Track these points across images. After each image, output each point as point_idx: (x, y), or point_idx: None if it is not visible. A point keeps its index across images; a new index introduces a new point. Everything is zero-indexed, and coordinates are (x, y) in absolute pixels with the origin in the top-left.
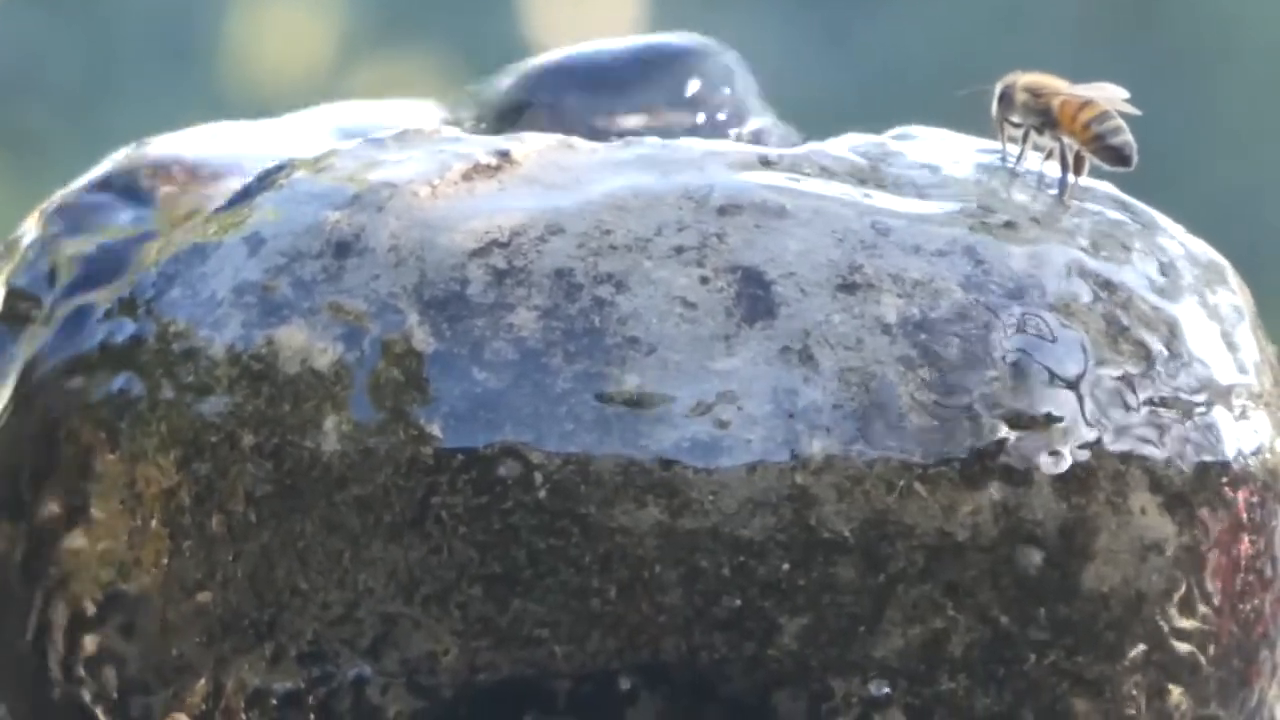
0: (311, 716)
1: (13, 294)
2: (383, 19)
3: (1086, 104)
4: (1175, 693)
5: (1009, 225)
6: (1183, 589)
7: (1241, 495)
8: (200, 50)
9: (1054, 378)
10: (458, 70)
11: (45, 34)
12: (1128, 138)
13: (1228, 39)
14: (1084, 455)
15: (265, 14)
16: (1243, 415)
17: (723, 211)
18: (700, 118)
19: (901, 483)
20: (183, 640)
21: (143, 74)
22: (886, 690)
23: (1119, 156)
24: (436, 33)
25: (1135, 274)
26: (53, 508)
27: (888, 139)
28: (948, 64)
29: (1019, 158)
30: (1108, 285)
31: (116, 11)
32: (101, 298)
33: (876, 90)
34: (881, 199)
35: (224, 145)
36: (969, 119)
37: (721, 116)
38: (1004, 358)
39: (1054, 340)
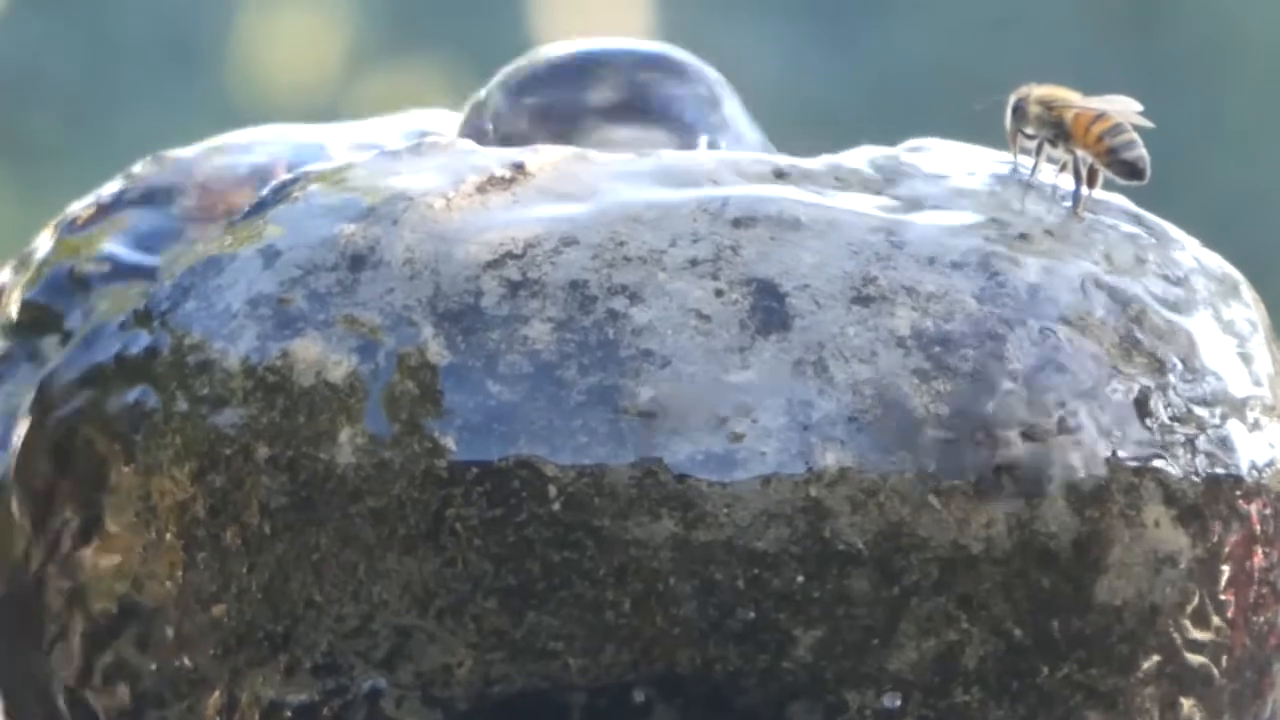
0: None
1: (28, 307)
2: (392, 26)
3: (1100, 117)
4: (1188, 705)
5: (1023, 238)
6: (1196, 601)
7: (1255, 508)
8: (208, 57)
9: (1068, 391)
10: (467, 77)
11: (52, 41)
12: (1141, 151)
13: (1230, 43)
14: (1098, 468)
15: (274, 21)
16: (1256, 428)
17: (737, 224)
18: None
19: (915, 495)
20: (198, 653)
21: (151, 82)
22: (900, 702)
23: (1132, 170)
24: (446, 39)
25: (1149, 287)
26: (68, 519)
27: (902, 151)
28: (951, 71)
29: (1032, 170)
30: (1122, 298)
31: (124, 19)
32: (116, 310)
33: (880, 97)
34: (896, 212)
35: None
36: (974, 127)
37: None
38: (1018, 371)
39: (1068, 353)
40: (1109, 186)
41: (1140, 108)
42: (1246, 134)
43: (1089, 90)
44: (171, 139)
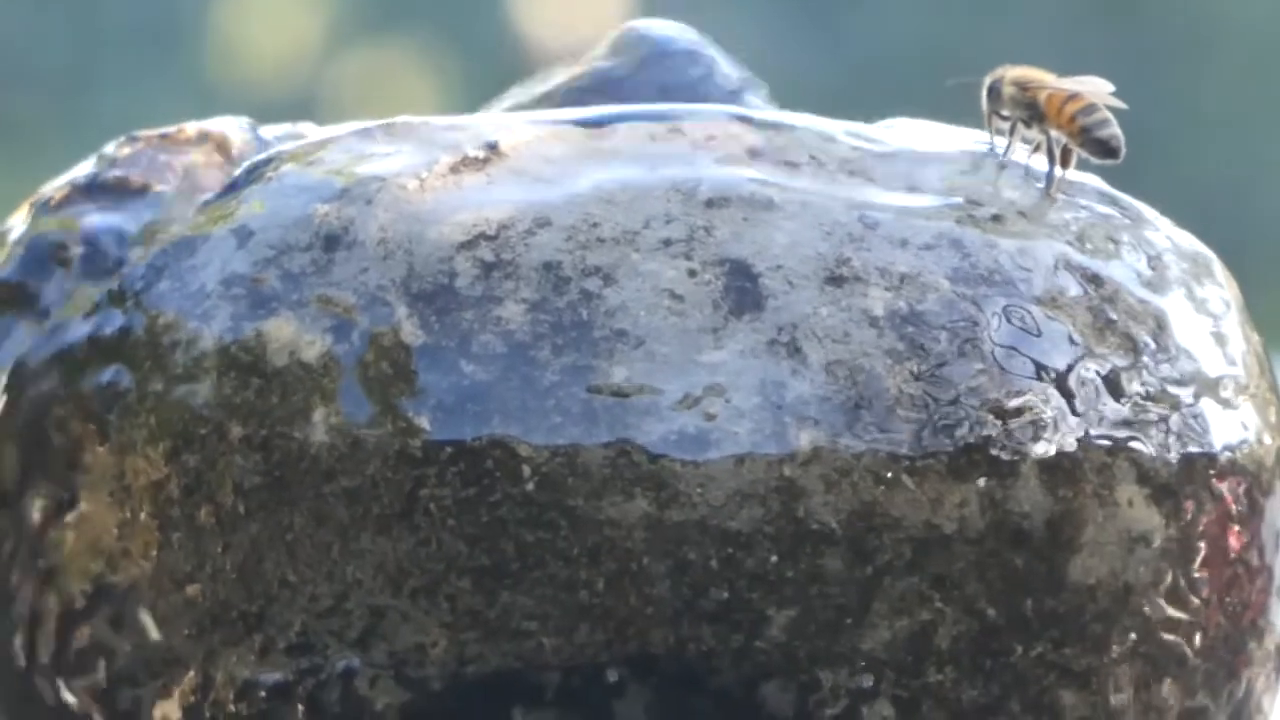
0: (300, 708)
1: (1, 286)
2: (370, 5)
3: (1073, 97)
4: (1163, 684)
5: (996, 219)
6: (1170, 580)
7: (1229, 486)
8: (187, 38)
9: (1041, 370)
10: (444, 58)
11: (32, 23)
12: (1114, 130)
13: (1212, 27)
14: (1071, 447)
15: (252, 1)
16: (1230, 407)
17: (710, 204)
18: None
19: (889, 475)
20: (172, 632)
21: (130, 62)
22: (873, 682)
23: (1106, 149)
24: (424, 19)
25: (1122, 267)
26: (42, 499)
27: (875, 131)
28: (933, 51)
29: (1006, 151)
30: (1095, 278)
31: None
32: (91, 290)
33: (861, 77)
34: (869, 192)
35: None
36: (955, 107)
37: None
38: (991, 350)
39: (1041, 333)
40: (1086, 167)
41: (1113, 88)
42: (1225, 117)
43: (1069, 72)
44: (153, 118)
